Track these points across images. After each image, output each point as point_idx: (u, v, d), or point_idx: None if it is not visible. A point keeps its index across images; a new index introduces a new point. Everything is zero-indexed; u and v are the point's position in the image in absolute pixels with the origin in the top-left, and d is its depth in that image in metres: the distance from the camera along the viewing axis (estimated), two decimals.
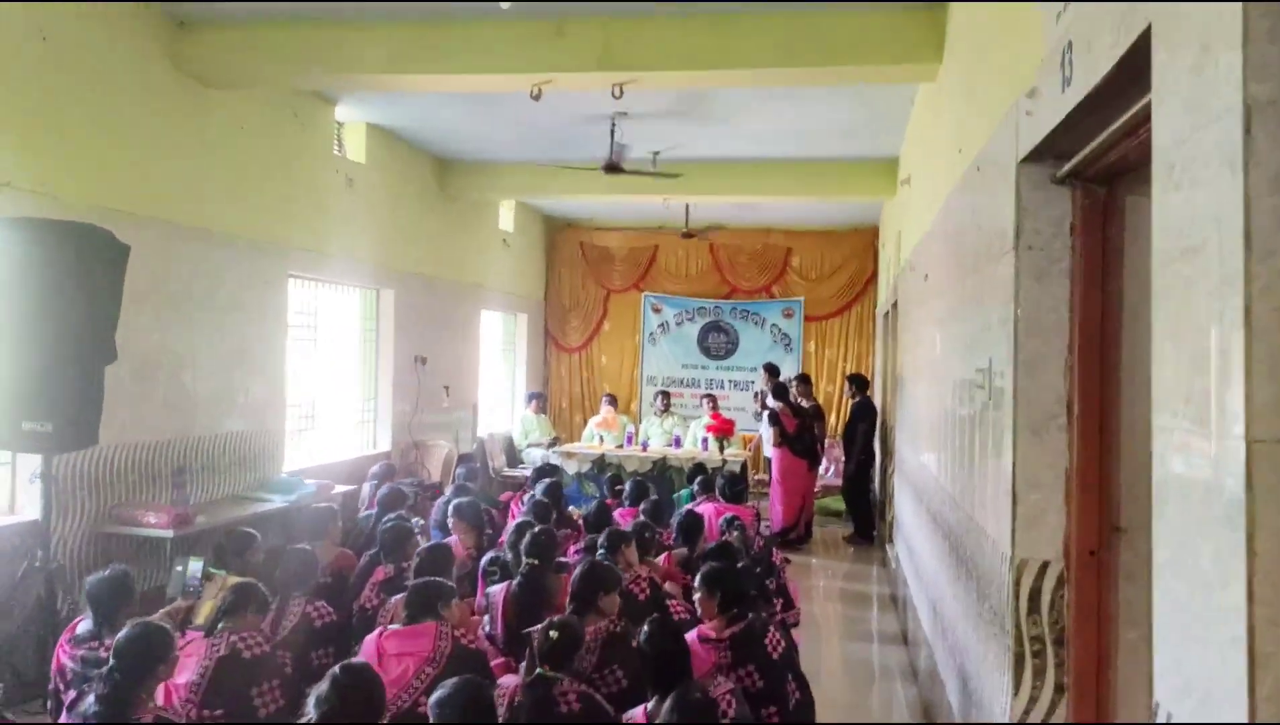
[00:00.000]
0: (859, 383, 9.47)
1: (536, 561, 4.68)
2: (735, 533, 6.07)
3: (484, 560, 5.26)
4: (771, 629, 3.88)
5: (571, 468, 9.40)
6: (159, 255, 5.29)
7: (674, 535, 5.72)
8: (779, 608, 5.97)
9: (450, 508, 5.86)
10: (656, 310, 12.25)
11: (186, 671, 3.38)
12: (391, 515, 5.58)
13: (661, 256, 12.25)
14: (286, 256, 6.54)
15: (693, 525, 5.63)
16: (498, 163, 9.06)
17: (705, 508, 6.81)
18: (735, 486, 6.84)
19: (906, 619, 5.72)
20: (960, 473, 3.57)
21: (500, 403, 11.42)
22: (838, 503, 10.20)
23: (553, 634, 3.31)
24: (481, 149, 8.59)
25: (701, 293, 12.12)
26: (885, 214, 9.88)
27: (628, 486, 7.02)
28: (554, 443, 10.34)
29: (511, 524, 5.33)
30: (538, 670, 3.29)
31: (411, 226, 8.53)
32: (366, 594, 4.81)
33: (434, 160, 8.92)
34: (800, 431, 8.70)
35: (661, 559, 5.58)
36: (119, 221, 4.89)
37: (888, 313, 8.70)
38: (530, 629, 3.52)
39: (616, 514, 6.85)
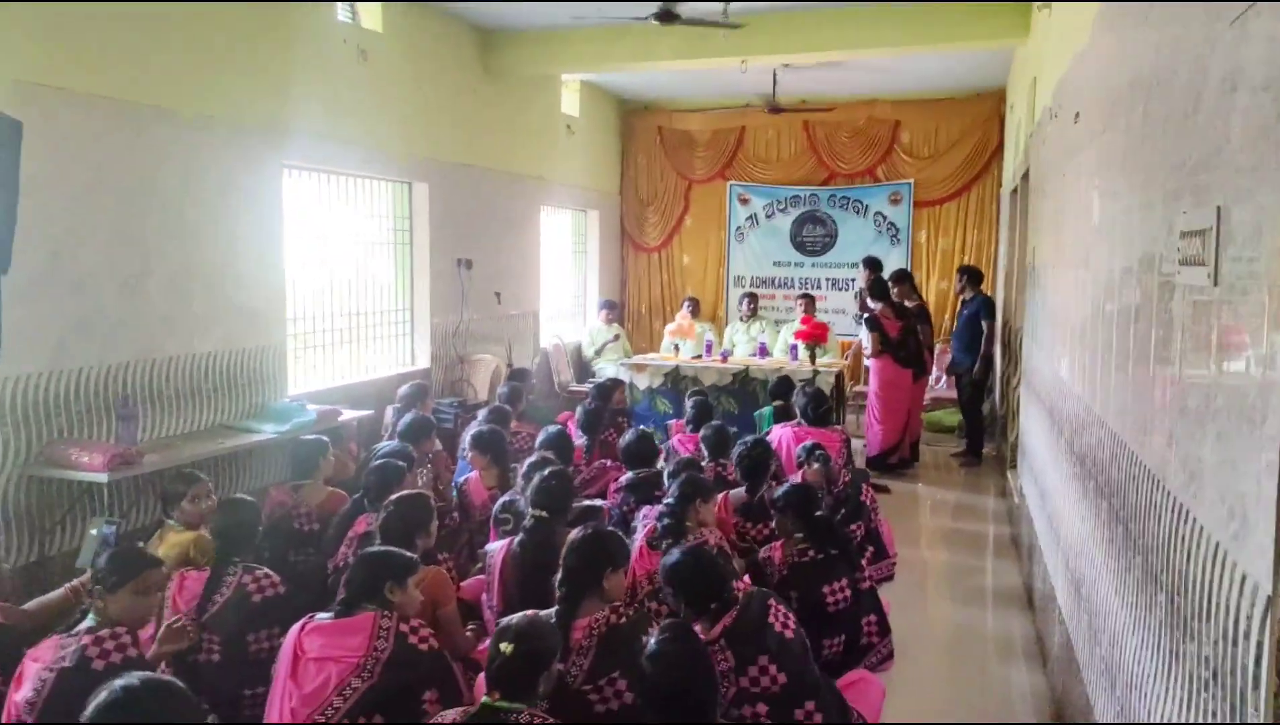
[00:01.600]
0: (972, 276, 7.95)
1: (545, 513, 3.67)
2: (817, 464, 4.90)
3: (496, 506, 4.29)
4: (772, 604, 2.83)
5: (643, 382, 8.34)
6: (100, 140, 4.37)
7: (735, 470, 4.59)
8: (868, 557, 4.82)
9: (468, 437, 4.90)
10: (744, 201, 10.84)
11: (29, 682, 2.52)
12: (387, 448, 4.66)
13: (749, 139, 10.75)
14: (281, 143, 5.54)
15: (758, 459, 4.47)
16: (547, 30, 7.73)
17: (781, 433, 5.64)
18: (819, 406, 5.62)
19: (1033, 574, 4.47)
20: (1138, 407, 2.27)
21: (572, 310, 10.41)
22: (951, 417, 8.83)
23: (504, 648, 2.28)
24: (527, 13, 7.30)
25: (795, 180, 10.62)
26: (1015, 68, 8.13)
27: (688, 406, 5.91)
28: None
29: (525, 464, 4.31)
30: (484, 700, 2.28)
31: (449, 109, 7.40)
32: (343, 550, 3.92)
33: (473, 29, 7.69)
34: (904, 336, 7.33)
35: (716, 502, 4.48)
36: (39, 97, 3.99)
37: (1016, 189, 7.11)
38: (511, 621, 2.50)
39: (675, 440, 5.78)
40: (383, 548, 3.02)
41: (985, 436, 7.92)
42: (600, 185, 10.66)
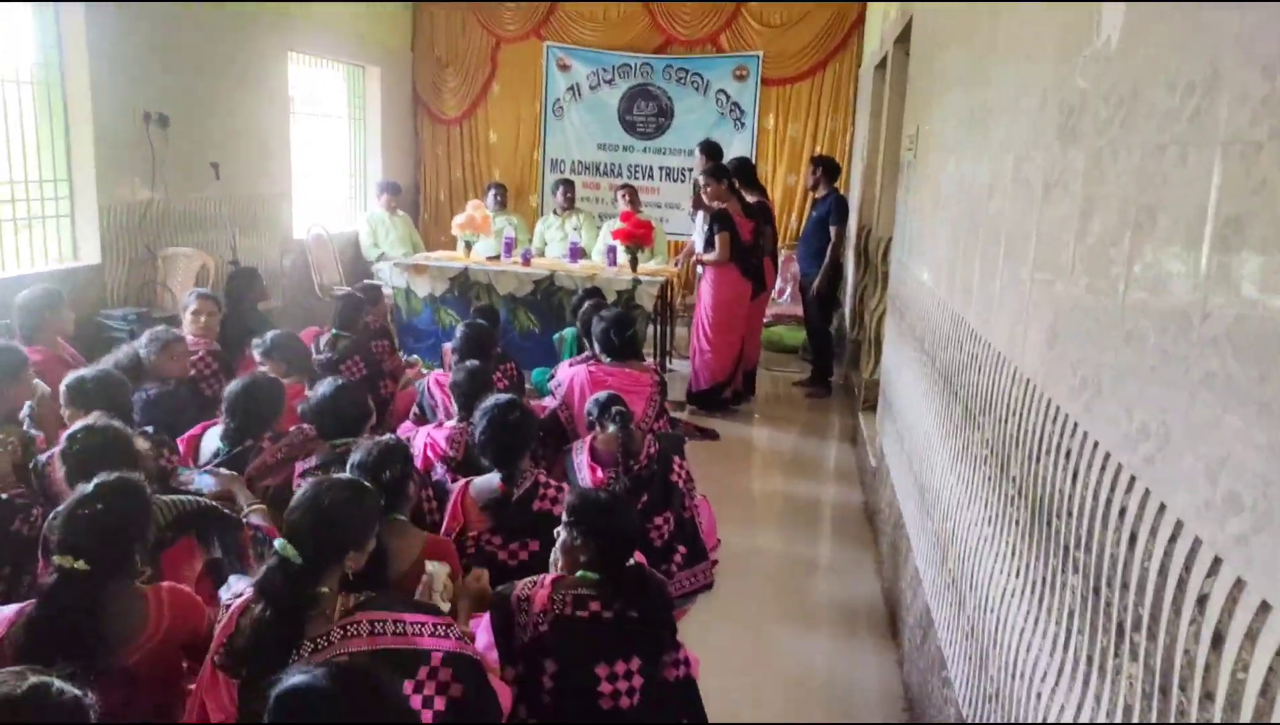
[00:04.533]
0: (829, 169, 6.60)
1: (81, 562, 1.99)
2: (612, 427, 3.42)
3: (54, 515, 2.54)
4: None
5: (422, 288, 6.60)
6: None
7: (479, 443, 2.99)
8: (679, 558, 3.45)
9: (64, 387, 3.09)
10: (564, 67, 8.97)
11: None
12: None
13: None
14: None
15: (510, 429, 2.89)
16: None
17: (574, 373, 4.11)
18: (623, 333, 4.11)
19: (899, 589, 3.22)
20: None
21: (349, 193, 8.40)
22: (793, 335, 7.62)
23: None
24: None
25: (624, 44, 8.83)
26: None
27: (457, 334, 4.27)
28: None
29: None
30: None
31: None
32: None
33: None
34: (756, 241, 5.91)
35: (452, 497, 2.93)
36: None
37: (884, 61, 5.71)
38: None
39: (431, 381, 4.15)
40: None
41: (834, 360, 6.75)
42: (382, 37, 8.50)
